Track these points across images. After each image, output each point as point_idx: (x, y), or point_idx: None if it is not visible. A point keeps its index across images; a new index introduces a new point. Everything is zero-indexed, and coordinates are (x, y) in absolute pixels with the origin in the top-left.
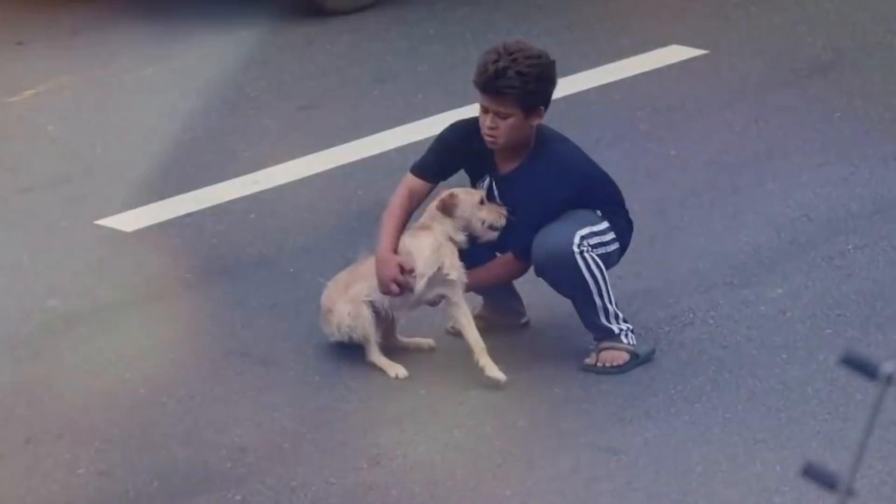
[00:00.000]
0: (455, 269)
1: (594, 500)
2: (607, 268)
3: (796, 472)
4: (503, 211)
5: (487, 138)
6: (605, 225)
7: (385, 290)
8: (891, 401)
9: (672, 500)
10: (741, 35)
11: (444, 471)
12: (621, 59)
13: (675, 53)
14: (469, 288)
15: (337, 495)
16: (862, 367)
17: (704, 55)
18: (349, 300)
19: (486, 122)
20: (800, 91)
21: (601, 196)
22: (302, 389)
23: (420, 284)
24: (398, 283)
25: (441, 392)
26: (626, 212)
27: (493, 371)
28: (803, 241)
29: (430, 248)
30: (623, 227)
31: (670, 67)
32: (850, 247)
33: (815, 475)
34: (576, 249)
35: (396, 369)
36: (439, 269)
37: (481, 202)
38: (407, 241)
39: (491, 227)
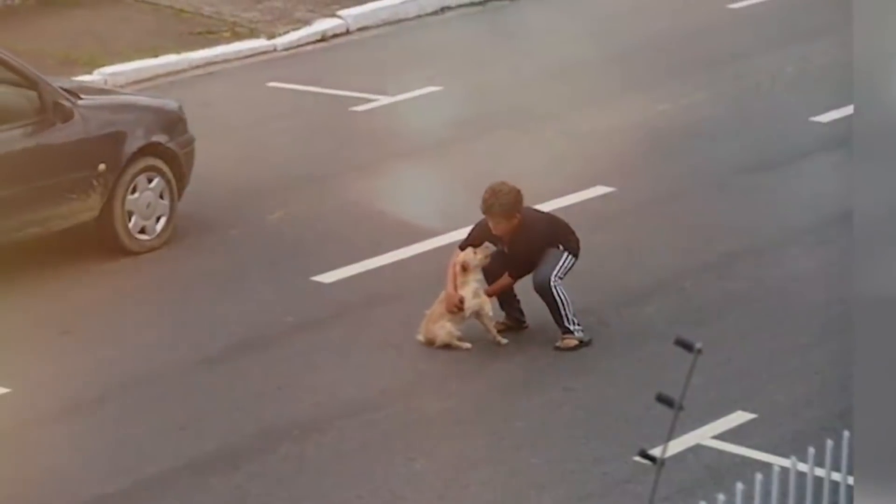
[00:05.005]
0: (486, 305)
1: None
2: (568, 272)
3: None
4: (488, 250)
5: (493, 229)
6: (565, 255)
7: (450, 311)
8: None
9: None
10: None
11: None
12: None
13: None
14: (489, 294)
15: None
16: (685, 345)
17: None
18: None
19: (490, 224)
20: None
21: (561, 233)
22: None
23: (466, 312)
24: (458, 308)
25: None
26: (574, 233)
27: (498, 338)
28: None
29: (472, 293)
30: (574, 246)
31: None
32: None
33: (663, 399)
34: (552, 284)
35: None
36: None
37: (475, 253)
38: (460, 288)
39: (486, 258)
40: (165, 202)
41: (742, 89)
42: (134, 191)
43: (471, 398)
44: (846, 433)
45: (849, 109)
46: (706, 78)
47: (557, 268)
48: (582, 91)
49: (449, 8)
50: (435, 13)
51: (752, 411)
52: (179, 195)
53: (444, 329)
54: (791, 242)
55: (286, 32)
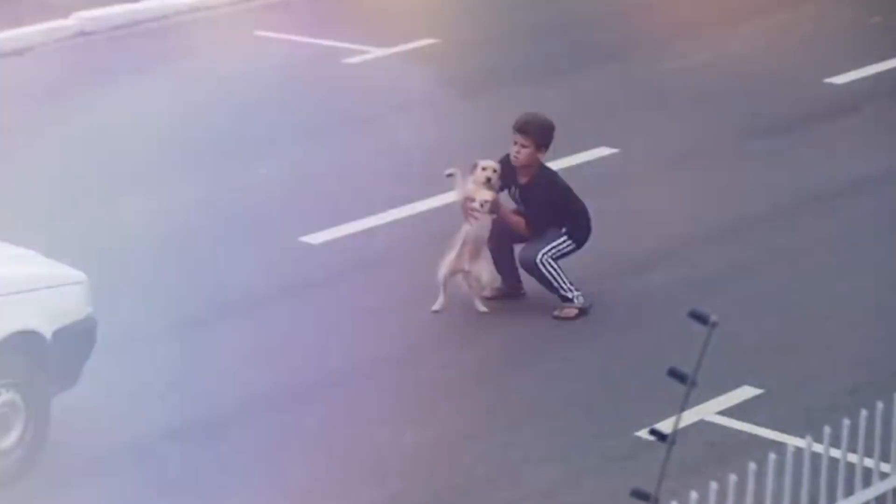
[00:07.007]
0: (487, 273)
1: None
2: (563, 257)
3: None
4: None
5: (513, 157)
6: (563, 238)
7: (469, 216)
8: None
9: None
10: None
11: None
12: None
13: None
14: (500, 217)
15: None
16: (700, 318)
17: None
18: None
19: (514, 149)
20: None
21: (573, 209)
22: None
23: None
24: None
25: None
26: (588, 221)
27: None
28: None
29: (488, 272)
30: (582, 234)
31: None
32: None
33: (676, 375)
34: (538, 261)
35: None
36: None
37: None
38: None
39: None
40: None
41: (753, 48)
42: None
43: (465, 368)
44: (864, 412)
45: (866, 70)
46: (715, 36)
47: (549, 247)
48: (584, 47)
49: None
50: None
51: (759, 386)
52: None
53: (488, 270)
54: (802, 210)
55: None
